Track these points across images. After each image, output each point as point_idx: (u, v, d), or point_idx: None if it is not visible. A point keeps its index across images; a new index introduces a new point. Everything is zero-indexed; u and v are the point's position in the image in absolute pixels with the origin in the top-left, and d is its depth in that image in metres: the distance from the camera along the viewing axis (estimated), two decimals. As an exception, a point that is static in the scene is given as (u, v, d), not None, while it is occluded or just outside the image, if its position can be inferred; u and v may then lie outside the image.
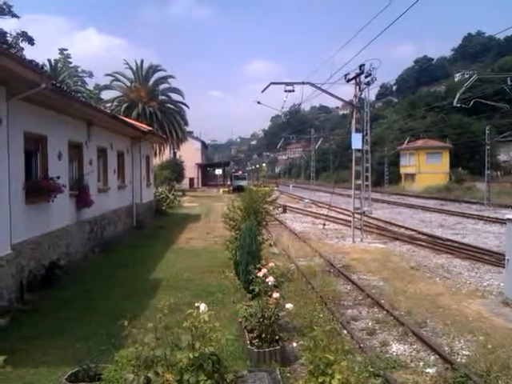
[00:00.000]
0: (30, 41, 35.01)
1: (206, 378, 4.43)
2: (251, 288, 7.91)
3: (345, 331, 8.51)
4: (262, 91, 23.26)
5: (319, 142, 79.48)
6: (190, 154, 63.90)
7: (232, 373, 5.02)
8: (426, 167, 58.65)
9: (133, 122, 25.94)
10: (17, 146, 10.18)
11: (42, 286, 10.89)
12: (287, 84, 21.48)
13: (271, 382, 5.86)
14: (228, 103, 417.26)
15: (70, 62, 53.08)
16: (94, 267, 13.60)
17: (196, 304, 5.04)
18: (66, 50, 52.81)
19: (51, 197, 11.73)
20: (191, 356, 4.51)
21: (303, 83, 21.30)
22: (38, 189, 11.27)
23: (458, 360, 7.23)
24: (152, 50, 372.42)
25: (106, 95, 51.08)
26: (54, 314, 9.08)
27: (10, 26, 35.67)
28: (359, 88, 20.08)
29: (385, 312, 9.68)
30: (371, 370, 6.64)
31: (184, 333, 4.78)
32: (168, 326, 4.98)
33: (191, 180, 69.35)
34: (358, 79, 19.96)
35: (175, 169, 51.22)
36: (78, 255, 14.18)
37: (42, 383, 6.07)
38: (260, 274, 7.72)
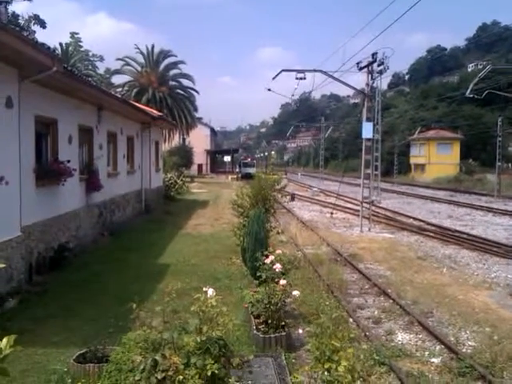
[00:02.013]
0: (42, 24, 34.90)
1: (212, 362, 4.46)
2: (258, 274, 7.95)
3: (351, 319, 8.54)
4: (273, 78, 23.19)
5: (329, 131, 79.06)
6: (199, 141, 63.85)
7: (238, 357, 5.05)
8: (437, 158, 58.28)
9: (143, 107, 25.95)
10: (27, 129, 10.22)
11: (51, 268, 11.01)
12: (298, 71, 21.32)
13: (277, 367, 5.92)
14: (238, 90, 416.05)
15: (81, 46, 52.87)
16: (103, 251, 13.71)
17: (204, 289, 5.07)
18: (77, 33, 52.55)
19: (61, 180, 11.80)
20: (198, 340, 4.54)
21: (315, 71, 21.15)
22: (48, 172, 11.32)
23: (464, 350, 7.24)
24: (163, 35, 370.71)
25: (117, 80, 51.12)
26: (63, 296, 9.19)
27: (22, 8, 35.67)
28: (371, 77, 19.94)
29: (391, 301, 9.71)
30: (376, 358, 6.68)
31: (191, 317, 4.82)
32: (175, 309, 5.02)
33: (200, 166, 69.41)
34: (370, 68, 19.80)
35: (184, 155, 51.24)
36: (86, 238, 14.28)
37: (51, 363, 6.16)
38: (267, 261, 7.74)
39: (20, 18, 33.80)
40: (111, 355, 5.27)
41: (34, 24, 34.69)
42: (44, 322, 7.71)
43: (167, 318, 4.81)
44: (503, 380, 6.26)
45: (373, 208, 21.71)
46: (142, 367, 4.38)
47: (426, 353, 7.23)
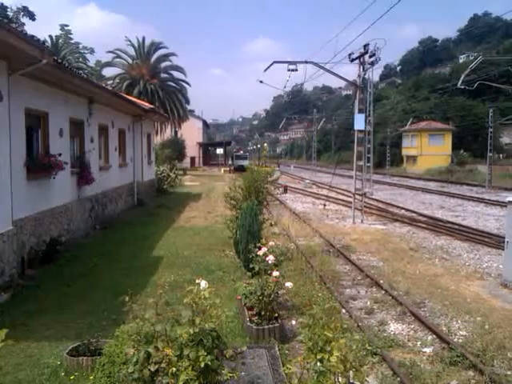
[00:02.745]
0: (31, 16, 34.63)
1: (205, 354, 4.47)
2: (251, 266, 7.95)
3: (343, 310, 8.58)
4: (265, 70, 23.08)
5: (321, 123, 79.15)
6: (191, 133, 63.69)
7: (231, 349, 5.07)
8: (428, 149, 58.44)
9: (134, 99, 25.80)
10: (18, 122, 10.16)
11: (43, 261, 10.98)
12: (290, 63, 21.26)
13: (270, 359, 5.94)
14: (230, 82, 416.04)
15: (71, 39, 52.42)
16: (95, 244, 13.67)
17: (197, 281, 5.07)
18: (67, 25, 52.06)
19: (52, 173, 11.76)
20: (191, 331, 4.54)
21: (306, 62, 21.09)
22: (39, 165, 11.28)
23: (455, 340, 7.30)
24: (154, 26, 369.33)
25: (108, 72, 50.74)
26: (55, 290, 9.17)
27: (10, 0, 35.35)
28: (363, 68, 19.89)
29: (383, 292, 9.76)
30: (369, 348, 6.71)
31: (184, 309, 4.82)
32: (168, 302, 5.02)
33: (192, 159, 69.24)
34: (362, 59, 19.74)
35: (176, 147, 51.07)
36: (79, 232, 14.24)
37: (44, 357, 6.15)
38: (260, 253, 7.75)
39: (9, 9, 33.50)
40: (104, 348, 5.28)
41: (22, 16, 34.40)
42: (37, 315, 7.69)
43: (160, 310, 4.81)
44: (494, 368, 6.32)
45: (365, 200, 21.78)
46: (134, 359, 4.40)
47: (418, 343, 7.28)
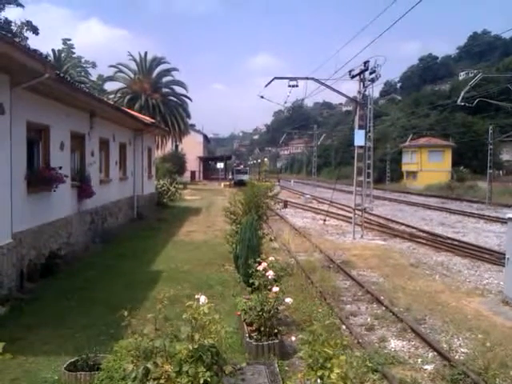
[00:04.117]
0: (35, 30, 34.96)
1: (204, 370, 4.43)
2: (251, 281, 7.92)
3: (343, 326, 8.52)
4: (266, 86, 23.20)
5: (321, 138, 79.52)
6: (191, 147, 63.83)
7: (231, 365, 5.03)
8: (428, 165, 58.51)
9: (135, 113, 25.92)
10: (19, 136, 10.18)
11: (43, 275, 10.92)
12: (291, 79, 21.39)
13: (269, 375, 5.88)
14: (231, 97, 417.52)
15: (74, 53, 52.97)
16: (95, 258, 13.62)
17: (196, 296, 5.04)
18: (69, 40, 52.68)
19: (53, 187, 11.75)
20: (190, 347, 4.51)
21: (307, 78, 21.22)
22: (39, 178, 11.28)
23: (456, 357, 7.24)
24: (156, 41, 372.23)
25: (110, 86, 51.11)
26: (54, 304, 9.11)
27: (14, 15, 35.73)
28: (363, 84, 20.00)
29: (384, 308, 9.70)
30: (369, 365, 6.66)
31: (183, 324, 4.79)
32: (168, 317, 4.99)
33: (193, 173, 69.33)
34: (362, 75, 19.87)
35: (177, 161, 51.16)
36: (78, 245, 14.20)
37: (42, 372, 6.09)
38: (260, 268, 7.72)
39: (12, 24, 33.84)
40: (103, 363, 5.24)
41: (26, 30, 34.73)
42: (35, 329, 7.63)
43: (159, 325, 4.78)
44: (496, 387, 6.26)
45: (365, 215, 21.76)
46: (133, 375, 4.35)
47: (419, 360, 7.22)
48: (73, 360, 5.75)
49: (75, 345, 6.79)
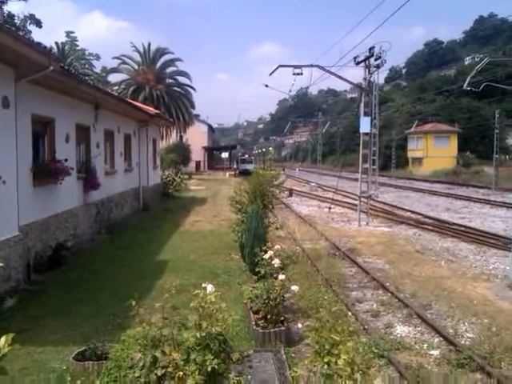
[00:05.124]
0: (38, 23, 34.83)
1: (212, 358, 4.47)
2: (257, 270, 7.97)
3: (349, 313, 8.57)
4: (270, 74, 23.05)
5: (326, 126, 79.11)
6: (196, 138, 63.68)
7: (238, 352, 5.08)
8: (434, 151, 58.22)
9: (140, 104, 25.90)
10: (24, 129, 10.22)
11: (49, 267, 11.00)
12: (295, 67, 21.26)
13: (276, 362, 5.94)
14: (235, 86, 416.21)
15: (77, 45, 52.85)
16: (101, 249, 13.71)
17: (203, 285, 5.09)
18: (72, 32, 52.52)
19: (59, 179, 11.80)
20: (198, 335, 4.55)
21: (312, 66, 21.08)
22: (45, 171, 11.33)
23: (462, 342, 7.27)
24: (159, 32, 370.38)
25: (114, 78, 50.98)
26: (61, 295, 9.20)
27: (17, 8, 35.66)
28: (368, 71, 19.86)
29: (389, 294, 9.73)
30: (375, 351, 6.72)
31: (191, 313, 4.83)
32: (175, 306, 5.03)
33: (197, 163, 69.23)
34: (367, 62, 19.72)
35: (182, 152, 51.04)
36: (84, 237, 14.29)
37: (50, 361, 6.18)
38: (266, 257, 7.76)
39: (16, 17, 33.75)
40: (110, 352, 5.29)
41: (29, 24, 34.63)
42: (43, 320, 7.72)
43: (166, 314, 4.83)
44: (501, 370, 6.29)
45: (371, 202, 21.74)
46: (141, 364, 4.40)
47: (425, 345, 7.26)
48: (81, 350, 5.82)
49: (83, 335, 6.86)
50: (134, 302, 4.91)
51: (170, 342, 4.64)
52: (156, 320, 4.76)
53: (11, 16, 33.26)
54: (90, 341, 5.90)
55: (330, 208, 24.73)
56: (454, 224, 18.99)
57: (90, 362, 5.57)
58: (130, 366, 4.69)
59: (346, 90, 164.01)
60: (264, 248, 8.35)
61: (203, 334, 4.60)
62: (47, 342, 6.80)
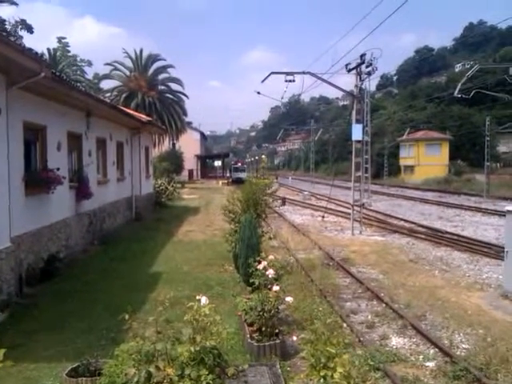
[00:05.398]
0: (29, 29, 34.69)
1: (207, 373, 4.42)
2: (251, 281, 7.90)
3: (344, 324, 8.52)
4: (262, 81, 23.10)
5: (319, 133, 79.33)
6: (189, 145, 63.59)
7: (233, 367, 5.01)
8: (426, 159, 58.47)
9: (132, 112, 25.82)
10: (16, 136, 10.09)
11: (42, 279, 10.84)
12: (288, 74, 21.29)
13: (272, 377, 5.87)
14: (227, 94, 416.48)
15: (69, 51, 52.63)
16: (94, 260, 13.59)
17: (197, 297, 5.03)
18: (64, 38, 52.24)
19: (51, 188, 11.65)
20: (192, 350, 4.50)
21: (304, 73, 21.14)
22: (37, 180, 11.19)
23: (458, 353, 7.25)
24: (151, 39, 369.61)
25: (106, 85, 50.94)
26: (54, 308, 9.08)
27: (8, 13, 35.46)
28: (360, 78, 19.95)
29: (384, 305, 9.70)
30: (371, 363, 6.66)
31: (185, 326, 4.78)
32: (168, 319, 4.97)
33: (190, 172, 69.07)
34: (358, 69, 19.81)
35: (174, 160, 50.92)
36: (77, 248, 14.16)
37: (43, 378, 6.08)
38: (260, 267, 7.70)
39: (7, 23, 33.57)
40: (104, 368, 5.20)
41: (21, 29, 34.48)
42: (35, 335, 7.60)
43: (160, 327, 4.77)
44: (498, 382, 6.26)
45: (364, 211, 21.77)
46: (135, 380, 4.34)
47: (421, 357, 7.22)
48: (74, 366, 5.72)
49: (76, 350, 6.76)
50: (127, 316, 4.85)
51: (164, 356, 4.58)
52: (150, 334, 4.70)
53: (2, 21, 33.09)
54: (83, 356, 5.80)
55: (323, 217, 24.73)
56: (446, 233, 19.04)
57: (84, 379, 5.46)
58: (123, 382, 4.61)
59: (338, 98, 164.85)
60: (258, 258, 8.29)
61: (197, 348, 4.55)
62: (40, 358, 6.69)
